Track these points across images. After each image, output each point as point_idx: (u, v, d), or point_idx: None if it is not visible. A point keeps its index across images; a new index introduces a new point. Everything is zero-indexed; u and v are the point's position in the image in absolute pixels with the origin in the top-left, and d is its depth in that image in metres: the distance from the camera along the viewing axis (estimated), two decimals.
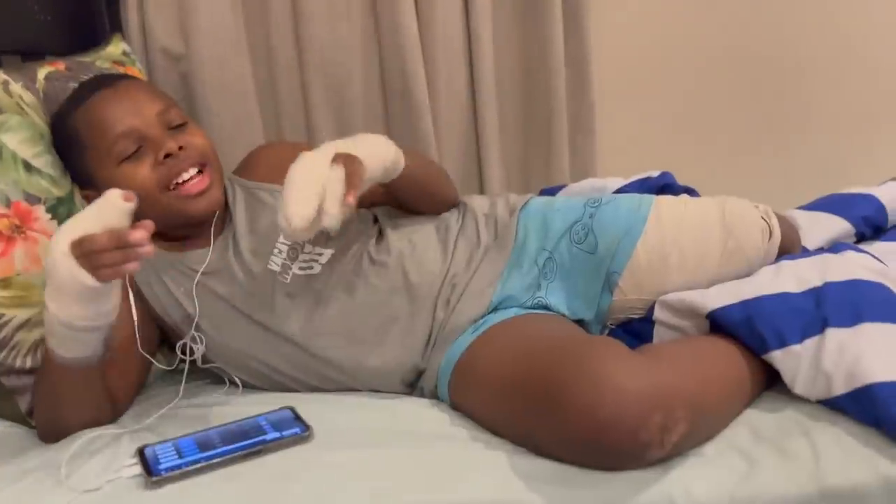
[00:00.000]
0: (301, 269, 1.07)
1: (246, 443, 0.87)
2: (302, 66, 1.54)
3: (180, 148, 1.05)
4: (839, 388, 0.82)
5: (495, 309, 1.06)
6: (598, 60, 1.63)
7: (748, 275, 1.02)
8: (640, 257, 1.04)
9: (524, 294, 1.08)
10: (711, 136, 1.80)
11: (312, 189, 0.88)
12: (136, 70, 1.37)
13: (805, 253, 1.11)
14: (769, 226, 1.07)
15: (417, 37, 1.53)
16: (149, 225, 0.81)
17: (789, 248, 1.11)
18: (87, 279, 0.81)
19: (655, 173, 1.33)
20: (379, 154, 1.00)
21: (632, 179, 1.33)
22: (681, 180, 1.37)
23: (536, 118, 1.65)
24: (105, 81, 1.09)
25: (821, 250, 1.24)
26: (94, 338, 0.89)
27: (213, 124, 1.51)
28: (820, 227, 1.28)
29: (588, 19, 1.60)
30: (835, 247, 1.19)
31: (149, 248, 0.80)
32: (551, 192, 1.39)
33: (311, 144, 1.56)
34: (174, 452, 0.86)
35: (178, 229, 1.10)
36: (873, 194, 1.36)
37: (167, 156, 1.04)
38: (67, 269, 0.81)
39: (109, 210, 0.83)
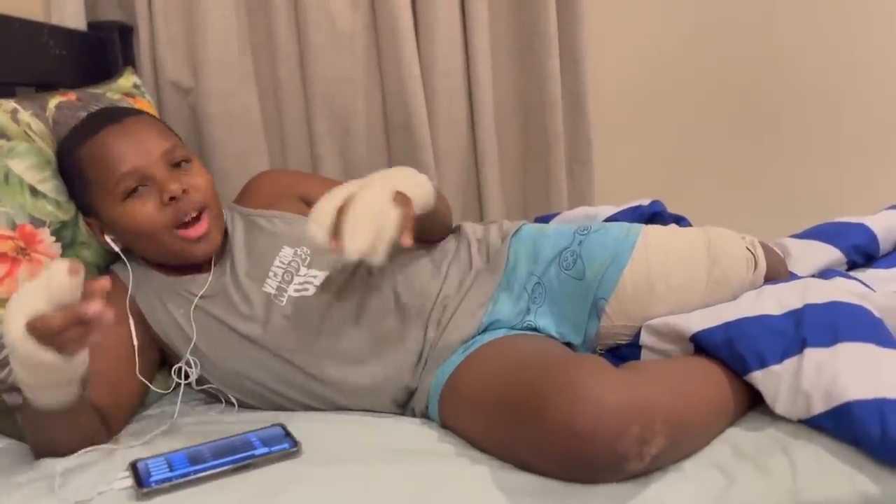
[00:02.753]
0: (296, 291, 1.10)
1: (235, 457, 0.89)
2: (307, 98, 1.60)
3: (184, 191, 1.07)
4: (818, 407, 0.83)
5: (485, 330, 1.08)
6: (595, 93, 1.67)
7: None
8: (626, 284, 1.05)
9: (514, 317, 1.10)
10: (706, 166, 1.83)
11: (372, 226, 0.93)
12: (146, 102, 1.42)
13: (791, 277, 1.13)
14: (754, 256, 1.09)
15: (419, 72, 1.58)
16: (104, 285, 0.80)
17: (775, 278, 1.12)
18: (50, 358, 0.80)
19: (646, 202, 1.35)
20: (423, 196, 1.05)
21: (623, 207, 1.35)
22: (676, 210, 1.39)
23: (534, 150, 1.69)
24: (112, 116, 1.12)
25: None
26: (68, 390, 0.89)
27: (221, 155, 1.57)
28: (811, 255, 1.30)
29: (585, 54, 1.64)
30: (824, 273, 1.20)
31: (109, 315, 0.78)
32: (545, 219, 1.42)
33: (311, 174, 1.61)
34: (165, 466, 0.88)
35: (178, 263, 1.14)
36: (865, 223, 1.37)
37: (172, 198, 1.07)
38: (27, 352, 0.80)
39: (57, 285, 0.80)
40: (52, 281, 0.80)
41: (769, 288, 1.03)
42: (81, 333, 0.80)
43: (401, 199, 0.97)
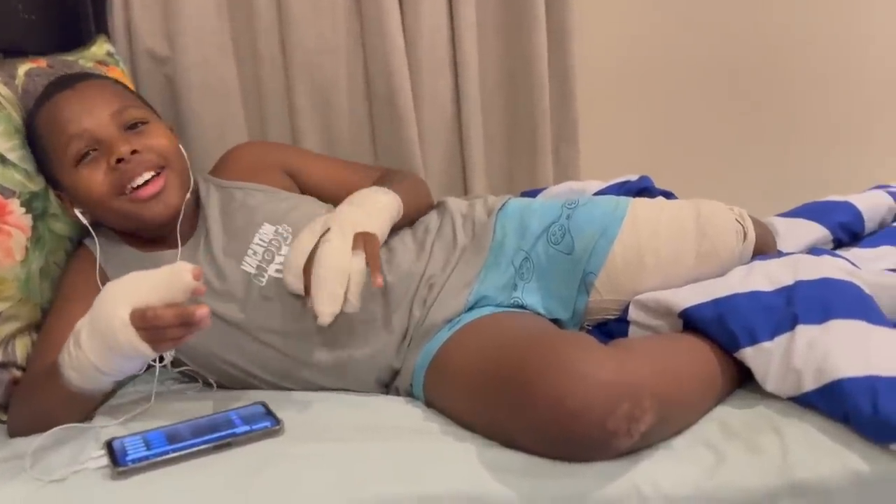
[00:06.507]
0: (277, 271, 1.06)
1: (215, 435, 0.87)
2: (287, 69, 1.55)
3: (133, 152, 1.02)
4: (809, 385, 0.83)
5: (471, 308, 1.06)
6: (582, 70, 1.63)
7: (722, 275, 1.03)
8: (616, 258, 1.04)
9: (500, 294, 1.08)
10: (695, 146, 1.81)
11: (339, 285, 0.93)
12: (120, 71, 1.37)
13: (779, 255, 1.12)
14: (744, 228, 1.08)
15: (403, 45, 1.54)
16: (200, 290, 0.84)
17: (763, 250, 1.11)
18: (147, 351, 0.82)
19: (634, 177, 1.34)
20: (387, 217, 1.05)
21: (610, 183, 1.34)
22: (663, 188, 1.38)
23: (520, 127, 1.66)
24: (66, 82, 1.08)
25: None
26: (117, 379, 0.91)
27: (198, 126, 1.51)
28: (798, 233, 1.29)
29: (573, 32, 1.61)
30: (811, 251, 1.19)
31: (209, 322, 0.81)
32: (531, 194, 1.40)
33: (296, 147, 1.57)
34: (142, 445, 0.86)
35: (144, 231, 1.09)
36: (850, 201, 1.37)
37: (119, 160, 1.02)
38: (127, 340, 0.82)
39: (175, 282, 0.83)
40: (175, 278, 0.83)
41: (759, 264, 1.02)
42: (182, 334, 0.82)
43: (362, 240, 0.96)
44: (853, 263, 1.12)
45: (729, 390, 0.91)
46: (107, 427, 0.93)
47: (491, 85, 1.64)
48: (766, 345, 0.88)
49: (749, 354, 0.89)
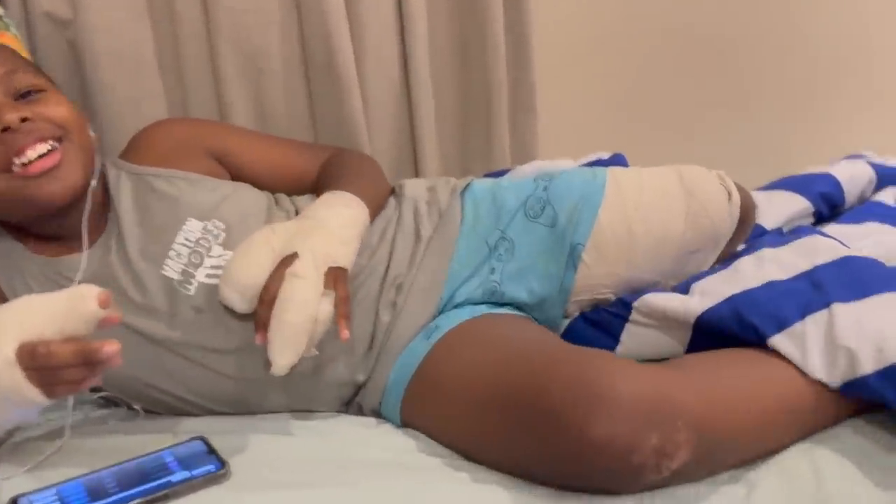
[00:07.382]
0: (208, 276, 0.90)
1: (147, 486, 0.73)
2: (211, 33, 1.37)
3: (23, 120, 0.84)
4: (867, 367, 0.73)
5: (444, 307, 0.95)
6: (540, 34, 1.53)
7: (714, 241, 0.98)
8: (603, 226, 0.97)
9: (475, 279, 0.97)
10: (654, 114, 1.74)
11: (305, 334, 0.81)
12: (11, 36, 1.17)
13: (776, 237, 1.04)
14: (726, 188, 1.02)
15: (343, 3, 1.39)
16: (115, 319, 0.70)
17: (747, 213, 1.04)
18: (38, 397, 0.68)
19: (606, 155, 1.26)
20: (357, 241, 0.92)
21: (581, 161, 1.25)
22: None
23: (474, 95, 1.54)
24: None
25: (779, 230, 1.18)
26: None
27: (107, 99, 1.32)
28: (778, 206, 1.24)
29: None
30: (798, 230, 1.12)
31: (118, 361, 0.66)
32: (496, 176, 1.28)
33: (223, 122, 1.41)
34: (57, 502, 0.71)
35: (40, 224, 0.91)
36: (829, 172, 1.31)
37: (6, 129, 0.84)
38: (12, 382, 0.68)
39: (76, 310, 0.68)
40: (76, 304, 0.68)
41: (769, 252, 0.94)
42: (83, 376, 0.67)
43: (333, 278, 0.83)
44: (842, 243, 1.05)
45: (821, 422, 0.77)
46: (10, 479, 0.77)
47: (441, 47, 1.51)
48: (798, 327, 0.78)
49: (779, 341, 0.78)
